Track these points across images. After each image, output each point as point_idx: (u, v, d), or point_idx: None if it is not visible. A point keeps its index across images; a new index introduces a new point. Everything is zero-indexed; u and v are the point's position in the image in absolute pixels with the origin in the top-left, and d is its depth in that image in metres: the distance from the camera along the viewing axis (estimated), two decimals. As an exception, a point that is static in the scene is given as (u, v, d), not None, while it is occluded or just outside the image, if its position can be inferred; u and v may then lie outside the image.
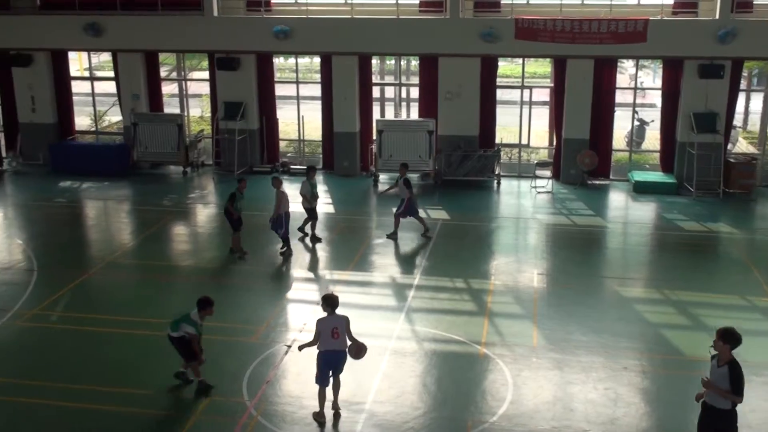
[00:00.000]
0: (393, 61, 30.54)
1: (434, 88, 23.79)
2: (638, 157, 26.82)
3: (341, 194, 22.57)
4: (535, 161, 24.83)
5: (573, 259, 17.46)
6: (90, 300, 15.24)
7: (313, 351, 10.77)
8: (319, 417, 10.79)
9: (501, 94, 25.54)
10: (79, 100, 28.17)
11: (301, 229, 18.44)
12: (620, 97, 24.80)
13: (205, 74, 26.24)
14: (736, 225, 20.00)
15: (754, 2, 21.99)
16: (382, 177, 23.90)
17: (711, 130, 22.12)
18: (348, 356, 10.75)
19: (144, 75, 25.35)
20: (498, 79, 24.33)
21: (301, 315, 14.17)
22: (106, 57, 34.44)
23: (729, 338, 8.74)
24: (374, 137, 23.92)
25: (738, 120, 28.70)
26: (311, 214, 18.22)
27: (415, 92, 26.21)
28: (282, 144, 26.86)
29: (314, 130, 26.44)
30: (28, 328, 13.73)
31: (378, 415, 10.94)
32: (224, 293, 14.66)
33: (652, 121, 27.80)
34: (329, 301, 10.70)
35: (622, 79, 32.43)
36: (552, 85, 24.52)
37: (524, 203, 21.86)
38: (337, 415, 10.91)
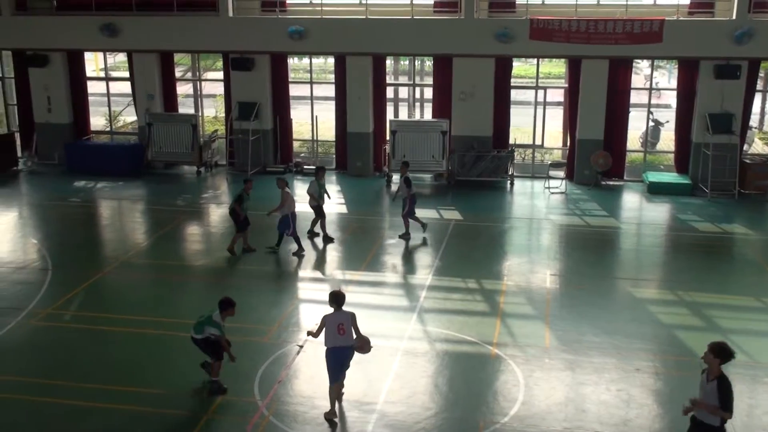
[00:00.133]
0: (407, 62, 30.51)
1: (448, 89, 23.77)
2: (653, 157, 26.71)
3: (354, 194, 22.59)
4: (549, 162, 24.77)
5: (586, 260, 17.40)
6: (103, 299, 15.32)
7: (324, 350, 10.84)
8: (330, 415, 10.82)
9: (515, 95, 25.50)
10: (95, 101, 28.33)
11: (311, 231, 18.48)
12: (635, 97, 24.68)
13: (220, 74, 26.34)
14: (751, 226, 19.86)
15: (771, 2, 21.86)
16: (395, 177, 23.88)
17: (726, 131, 21.98)
18: (355, 352, 10.84)
19: (159, 75, 25.47)
20: (512, 80, 24.27)
21: (313, 315, 14.16)
22: (121, 57, 34.77)
23: (720, 353, 8.50)
24: (388, 137, 23.93)
25: (754, 121, 28.52)
26: (318, 213, 18.26)
27: (429, 93, 26.17)
28: (295, 144, 26.93)
29: (328, 131, 26.46)
30: (42, 327, 13.80)
31: (389, 415, 10.93)
32: (236, 293, 14.61)
33: (667, 121, 27.68)
34: (335, 298, 10.74)
35: (637, 79, 32.32)
36: (566, 85, 24.47)
37: (537, 204, 21.80)
38: (339, 398, 11.10)
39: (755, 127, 29.27)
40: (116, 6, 24.60)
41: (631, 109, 23.73)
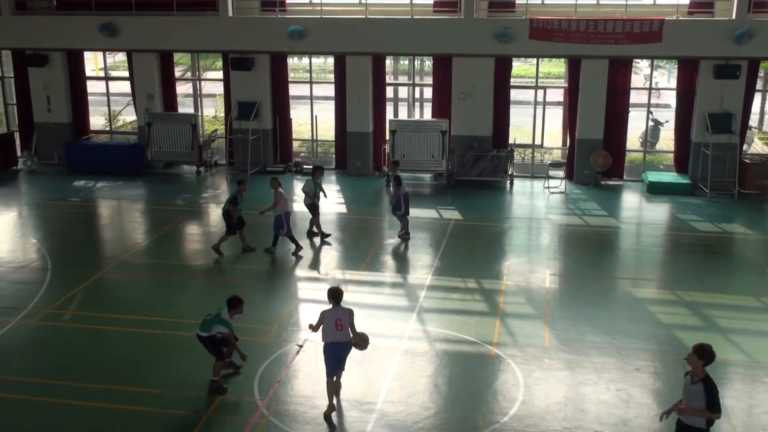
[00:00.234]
0: (407, 61, 30.52)
1: (448, 89, 23.77)
2: (652, 157, 26.74)
3: (353, 194, 22.59)
4: (549, 162, 24.78)
5: (586, 260, 17.41)
6: (103, 299, 15.31)
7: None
8: (329, 411, 10.90)
9: (515, 95, 25.51)
10: (94, 100, 28.33)
11: (310, 231, 18.49)
12: (635, 97, 24.68)
13: (219, 74, 26.34)
14: (751, 226, 19.87)
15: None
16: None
17: (726, 131, 21.99)
18: (353, 348, 10.96)
19: (158, 75, 25.47)
20: (512, 80, 24.27)
21: (312, 315, 14.15)
22: (121, 57, 34.76)
23: (704, 354, 8.55)
24: (387, 137, 23.94)
25: (754, 120, 28.53)
26: (313, 211, 18.28)
27: (428, 92, 26.18)
28: (295, 144, 26.94)
29: (327, 130, 26.47)
30: (42, 326, 13.79)
31: (389, 415, 10.93)
32: (236, 293, 14.65)
33: (667, 121, 27.68)
34: (333, 294, 10.90)
35: (637, 79, 32.34)
36: (566, 85, 24.47)
37: (537, 204, 21.80)
38: (336, 393, 11.20)
39: (755, 127, 29.29)
40: (116, 6, 24.61)
41: (630, 108, 23.74)
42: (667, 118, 27.61)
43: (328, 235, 18.40)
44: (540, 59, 26.17)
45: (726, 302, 14.96)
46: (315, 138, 25.79)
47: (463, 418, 10.88)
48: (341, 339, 10.79)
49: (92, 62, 33.98)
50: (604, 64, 22.67)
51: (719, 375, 11.90)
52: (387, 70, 26.53)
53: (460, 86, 23.48)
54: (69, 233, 19.35)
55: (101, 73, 31.85)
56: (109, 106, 27.69)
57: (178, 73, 27.90)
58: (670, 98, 28.99)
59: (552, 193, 22.68)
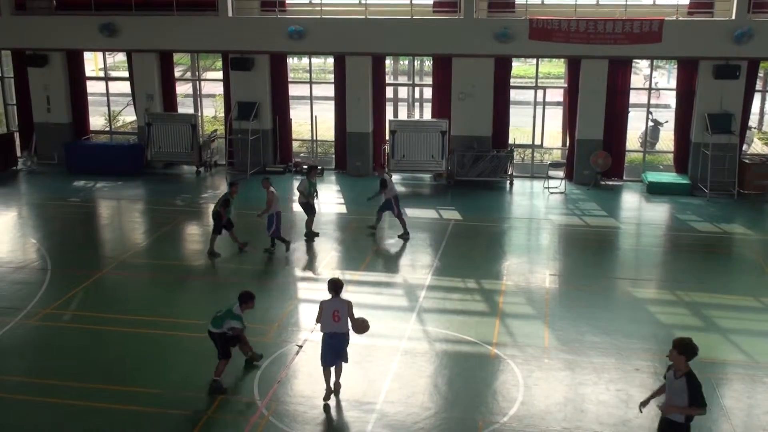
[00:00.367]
0: (407, 62, 30.53)
1: (447, 89, 23.78)
2: (652, 157, 26.74)
3: (353, 194, 22.58)
4: (548, 162, 24.77)
5: (585, 260, 17.41)
6: (103, 299, 15.30)
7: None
8: (327, 397, 11.15)
9: (514, 95, 25.52)
10: (94, 100, 28.33)
11: (308, 234, 18.50)
12: (634, 97, 24.69)
13: (219, 74, 26.32)
14: (751, 226, 19.87)
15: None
16: (395, 177, 23.92)
17: (726, 131, 21.99)
18: (350, 339, 11.24)
19: (158, 75, 25.47)
20: (512, 80, 24.28)
21: (312, 315, 14.16)
22: (120, 57, 34.75)
23: (685, 349, 8.50)
24: (387, 137, 23.94)
25: (753, 121, 28.52)
26: (308, 210, 18.29)
27: (428, 92, 26.20)
28: (295, 144, 26.94)
29: (327, 131, 26.47)
30: (41, 327, 13.79)
31: (389, 415, 10.93)
32: (236, 293, 14.65)
33: (666, 121, 27.68)
34: (333, 285, 11.14)
35: (637, 79, 32.33)
36: (566, 85, 24.48)
37: (537, 204, 21.80)
38: (336, 393, 11.32)
39: (754, 127, 29.28)
40: (116, 6, 24.62)
41: (630, 109, 23.75)
42: (667, 118, 27.60)
43: (316, 234, 18.42)
44: (540, 59, 26.17)
45: (725, 302, 14.96)
46: (315, 138, 25.79)
47: (462, 418, 10.88)
48: (339, 330, 11.00)
49: (92, 62, 33.98)
50: (604, 64, 22.67)
51: (719, 375, 11.96)
52: (387, 70, 26.53)
53: (460, 86, 23.48)
54: (69, 233, 19.35)
55: (101, 74, 31.84)
56: (108, 106, 27.69)
57: (177, 74, 27.90)
58: (670, 98, 28.98)
59: (552, 193, 22.68)
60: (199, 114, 26.91)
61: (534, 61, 27.13)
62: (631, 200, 22.33)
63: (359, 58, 23.79)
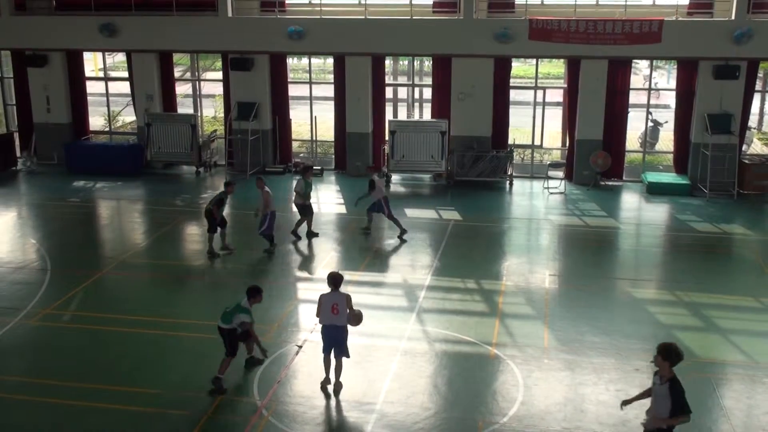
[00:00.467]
0: (406, 62, 30.54)
1: (447, 89, 23.78)
2: (652, 158, 26.74)
3: (353, 194, 22.49)
4: (548, 162, 24.77)
5: (585, 260, 17.41)
6: (102, 299, 15.30)
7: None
8: (324, 382, 11.49)
9: (514, 95, 25.52)
10: (94, 101, 28.32)
11: (309, 232, 18.49)
12: (634, 97, 24.70)
13: (219, 75, 26.32)
14: (750, 226, 19.88)
15: (770, 3, 21.87)
16: (395, 178, 23.97)
17: (725, 131, 22.00)
18: (350, 336, 11.47)
19: (158, 75, 25.47)
20: (511, 80, 24.28)
21: (312, 315, 14.17)
22: (120, 57, 34.74)
23: (668, 354, 8.44)
24: (387, 138, 23.94)
25: (753, 121, 28.53)
26: (306, 211, 18.30)
27: (428, 93, 26.20)
28: (295, 144, 26.94)
29: (327, 131, 26.47)
30: (41, 327, 13.79)
31: (388, 415, 10.93)
32: (235, 293, 14.63)
33: (666, 122, 27.68)
34: (332, 279, 11.41)
35: (636, 79, 32.33)
36: (565, 85, 24.48)
37: (537, 204, 21.81)
38: (336, 392, 11.40)
39: (754, 128, 29.28)
40: (115, 6, 24.61)
41: (630, 109, 23.75)
42: (667, 118, 27.61)
43: (316, 234, 18.43)
44: (539, 60, 26.17)
45: (725, 303, 14.97)
46: (314, 138, 25.80)
47: (462, 418, 10.88)
48: (337, 323, 11.21)
49: (92, 63, 33.98)
50: (604, 64, 22.67)
51: (719, 375, 11.97)
52: (386, 70, 26.52)
53: (460, 87, 23.49)
54: (68, 233, 19.34)
55: (101, 74, 31.82)
56: (108, 106, 27.69)
57: (177, 74, 27.90)
58: (670, 99, 28.97)
59: (551, 193, 22.69)
60: (199, 114, 26.91)
61: (534, 61, 27.12)
62: (630, 200, 22.34)
63: (359, 59, 23.79)
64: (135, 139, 26.39)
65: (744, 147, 23.54)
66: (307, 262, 17.35)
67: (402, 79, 31.82)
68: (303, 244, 18.12)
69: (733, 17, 21.34)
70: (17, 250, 18.07)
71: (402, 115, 29.04)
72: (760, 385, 11.80)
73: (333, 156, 25.76)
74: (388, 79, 28.19)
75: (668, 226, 20.30)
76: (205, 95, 28.68)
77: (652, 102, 25.72)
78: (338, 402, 11.26)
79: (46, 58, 25.36)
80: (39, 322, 13.92)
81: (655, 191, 22.44)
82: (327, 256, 17.60)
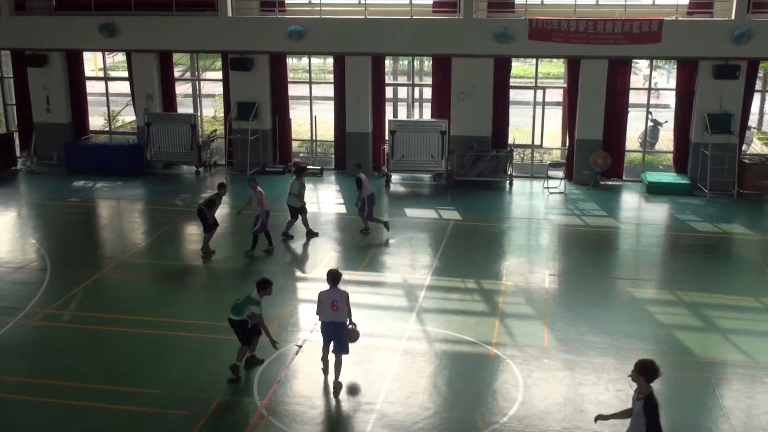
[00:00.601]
0: (406, 62, 30.54)
1: (447, 89, 23.78)
2: (652, 157, 26.74)
3: (353, 194, 22.49)
4: (548, 162, 24.76)
5: (585, 260, 17.41)
6: (102, 299, 15.31)
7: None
8: (324, 367, 11.80)
9: (514, 95, 25.51)
10: (94, 100, 28.31)
11: (309, 231, 18.50)
12: (634, 97, 24.69)
13: (219, 74, 26.32)
14: (750, 226, 19.88)
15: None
16: (395, 177, 23.96)
17: (725, 131, 22.00)
18: (347, 330, 11.61)
19: (158, 75, 25.46)
20: (511, 80, 24.28)
21: (312, 315, 14.16)
22: (120, 57, 34.72)
23: (643, 370, 8.30)
24: (387, 138, 23.93)
25: (753, 121, 28.53)
26: (300, 212, 18.31)
27: (428, 93, 26.20)
28: (294, 144, 26.94)
29: (327, 131, 26.46)
30: (41, 327, 13.79)
31: (388, 415, 10.93)
32: (234, 293, 14.65)
33: (666, 121, 27.68)
34: (331, 277, 11.60)
35: (636, 79, 32.32)
36: (565, 85, 24.48)
37: (536, 204, 21.81)
38: (336, 392, 11.44)
39: (754, 127, 29.28)
40: (115, 6, 24.60)
41: (630, 109, 23.75)
42: (667, 118, 27.60)
43: (292, 237, 18.43)
44: (539, 59, 26.16)
45: (725, 302, 14.97)
46: (314, 138, 25.79)
47: (462, 418, 10.88)
48: (337, 319, 11.38)
49: (91, 62, 33.97)
50: (604, 64, 22.67)
51: (719, 375, 11.98)
52: (386, 70, 26.52)
53: (460, 86, 23.49)
54: (68, 233, 19.34)
55: (100, 74, 31.80)
56: (108, 106, 27.68)
57: (177, 74, 27.90)
58: (670, 98, 28.95)
59: (551, 193, 22.69)
60: (199, 114, 26.90)
61: (534, 61, 27.11)
62: (630, 200, 22.33)
63: (359, 58, 23.79)
64: (135, 139, 26.38)
65: (744, 147, 23.53)
66: (306, 262, 17.36)
67: (402, 79, 31.83)
68: (303, 244, 18.11)
69: (733, 17, 21.33)
70: (17, 250, 18.07)
71: (402, 115, 29.04)
72: (760, 385, 11.80)
73: (333, 156, 25.74)
74: (388, 79, 28.20)
75: (668, 225, 20.29)
76: (204, 95, 28.67)
77: (651, 102, 25.71)
78: (338, 402, 11.26)
79: (46, 58, 25.36)
80: (39, 322, 13.92)
81: (655, 191, 22.44)
82: (327, 256, 17.60)
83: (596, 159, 22.92)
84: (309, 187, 22.59)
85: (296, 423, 10.74)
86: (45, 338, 13.43)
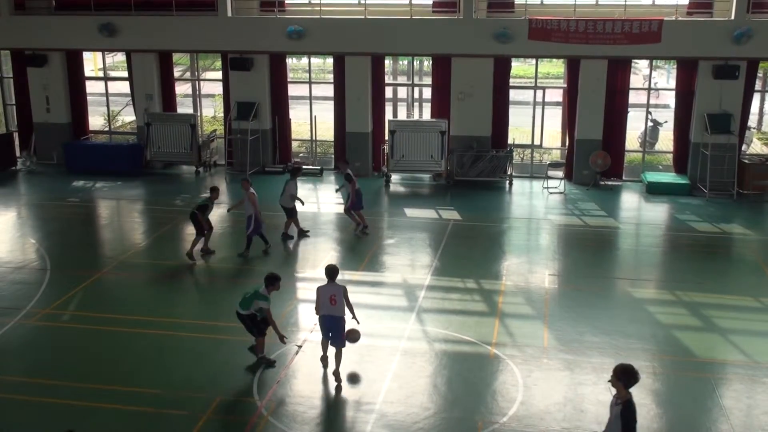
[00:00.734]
0: (406, 62, 30.53)
1: (447, 89, 23.78)
2: (651, 157, 26.73)
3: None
4: (548, 162, 24.76)
5: (585, 260, 17.41)
6: (102, 299, 15.29)
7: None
8: (324, 361, 12.01)
9: (514, 95, 25.50)
10: (93, 100, 28.32)
11: (300, 231, 18.51)
12: (633, 97, 24.70)
13: (219, 74, 26.33)
14: (750, 226, 19.88)
15: (770, 2, 21.87)
16: (394, 177, 23.96)
17: (725, 131, 22.01)
18: (344, 325, 11.78)
19: (157, 75, 25.47)
20: (511, 80, 24.28)
21: (311, 315, 14.16)
22: (120, 57, 34.73)
23: (622, 375, 8.23)
24: (386, 137, 23.93)
25: (752, 121, 28.53)
26: (292, 212, 18.37)
27: (427, 92, 26.21)
28: (294, 144, 26.93)
29: (326, 131, 26.47)
30: (41, 327, 13.79)
31: (388, 415, 10.93)
32: (234, 293, 14.66)
33: (666, 121, 27.68)
34: (329, 272, 11.81)
35: (636, 79, 32.32)
36: (565, 85, 24.48)
37: (536, 204, 21.81)
38: (338, 388, 11.60)
39: (754, 127, 29.29)
40: (115, 6, 24.61)
41: (629, 109, 23.76)
42: (666, 118, 27.60)
43: (291, 237, 18.46)
44: (539, 59, 26.16)
45: (725, 302, 14.97)
46: (314, 138, 25.80)
47: (462, 418, 10.88)
48: (335, 313, 11.59)
49: (91, 62, 33.97)
50: (603, 64, 22.68)
51: (719, 375, 11.98)
52: (386, 70, 26.52)
53: (460, 86, 23.49)
54: (68, 233, 19.34)
55: (100, 74, 31.79)
56: (108, 106, 27.68)
57: (177, 74, 27.90)
58: (669, 98, 28.96)
59: (551, 193, 22.69)
60: (199, 114, 26.89)
61: (533, 61, 27.12)
62: (630, 200, 22.34)
63: (359, 58, 23.79)
64: (135, 138, 26.38)
65: (744, 147, 23.54)
66: (306, 262, 17.35)
67: (402, 79, 31.85)
68: (304, 244, 18.11)
69: (732, 17, 21.33)
70: (17, 250, 18.06)
71: (402, 115, 29.06)
72: (760, 385, 11.81)
73: (333, 156, 25.74)
74: (388, 79, 28.20)
75: (668, 225, 20.29)
76: (204, 95, 28.66)
77: (651, 102, 25.71)
78: (338, 402, 11.27)
79: (46, 58, 25.36)
80: (39, 322, 13.92)
81: (654, 191, 22.44)
82: (327, 256, 17.59)
83: (596, 159, 22.92)
84: (309, 187, 22.76)
85: (296, 423, 10.74)
86: (45, 338, 13.43)
